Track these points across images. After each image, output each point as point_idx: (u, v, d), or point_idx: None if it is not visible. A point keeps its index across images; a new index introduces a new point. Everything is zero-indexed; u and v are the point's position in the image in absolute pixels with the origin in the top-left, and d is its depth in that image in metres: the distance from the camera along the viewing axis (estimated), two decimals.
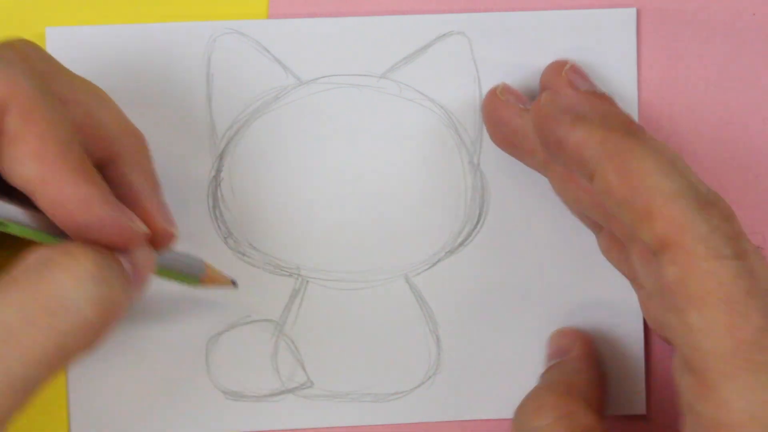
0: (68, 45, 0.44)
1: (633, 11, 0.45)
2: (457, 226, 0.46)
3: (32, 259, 0.35)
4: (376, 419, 0.46)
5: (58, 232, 0.36)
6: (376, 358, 0.46)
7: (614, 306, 0.46)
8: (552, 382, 0.43)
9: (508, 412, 0.46)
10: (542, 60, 0.45)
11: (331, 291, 0.46)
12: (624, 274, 0.44)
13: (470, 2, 0.45)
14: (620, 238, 0.42)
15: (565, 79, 0.43)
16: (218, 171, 0.45)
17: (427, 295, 0.46)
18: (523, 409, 0.42)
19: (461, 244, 0.46)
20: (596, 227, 0.44)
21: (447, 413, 0.46)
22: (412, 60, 0.45)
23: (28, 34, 0.44)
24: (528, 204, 0.46)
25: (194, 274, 0.42)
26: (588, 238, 0.45)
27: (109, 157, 0.38)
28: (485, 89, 0.45)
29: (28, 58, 0.36)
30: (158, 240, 0.38)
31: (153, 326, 0.45)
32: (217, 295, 0.45)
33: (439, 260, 0.46)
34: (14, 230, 0.36)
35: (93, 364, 0.45)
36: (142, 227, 0.37)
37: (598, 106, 0.41)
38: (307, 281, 0.46)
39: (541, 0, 0.45)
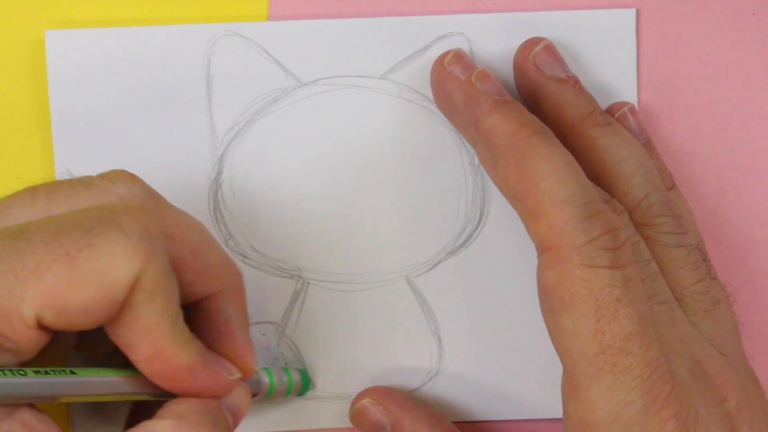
0: (68, 48, 0.44)
1: (633, 11, 0.45)
2: (458, 227, 0.46)
3: None
4: None
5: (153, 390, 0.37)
6: (377, 359, 0.46)
7: None
8: None
9: (509, 412, 0.46)
10: None
11: (332, 292, 0.46)
12: None
13: (470, 3, 0.45)
14: None
15: (531, 62, 0.43)
16: (219, 173, 0.45)
17: (428, 296, 0.46)
18: None
19: (462, 245, 0.46)
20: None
21: (448, 414, 0.46)
22: (412, 61, 0.45)
23: (27, 37, 0.44)
24: None
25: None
26: None
27: (210, 292, 0.38)
28: None
29: (154, 218, 0.36)
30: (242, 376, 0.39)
31: None
32: None
33: (440, 261, 0.46)
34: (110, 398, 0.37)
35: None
36: (237, 375, 0.38)
37: (560, 89, 0.43)
38: (308, 283, 0.46)
39: (541, 0, 0.45)
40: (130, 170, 0.38)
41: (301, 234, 0.45)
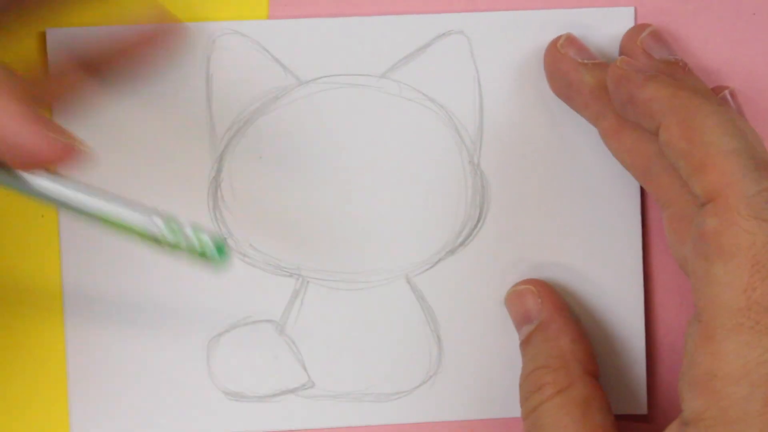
0: (69, 46, 0.44)
1: (631, 10, 0.45)
2: (457, 225, 0.46)
3: None
4: (378, 419, 0.46)
5: None
6: (377, 358, 0.46)
7: (615, 305, 0.46)
8: (543, 357, 0.44)
9: (508, 411, 0.46)
10: (542, 59, 0.45)
11: (331, 291, 0.46)
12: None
13: (470, 2, 0.45)
14: (658, 197, 0.43)
15: (640, 47, 0.44)
16: (218, 171, 0.45)
17: (427, 295, 0.46)
18: (523, 388, 0.43)
19: (462, 243, 0.46)
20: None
21: (448, 413, 0.46)
22: (411, 60, 0.45)
23: (28, 35, 0.44)
24: (528, 203, 0.46)
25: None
26: (588, 237, 0.46)
27: None
28: (485, 89, 0.45)
29: None
30: None
31: (154, 327, 0.45)
32: (219, 296, 0.45)
33: (439, 260, 0.46)
34: None
35: (95, 365, 0.45)
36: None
37: (671, 71, 0.43)
38: (308, 281, 0.46)
39: None
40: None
41: (300, 232, 0.45)
